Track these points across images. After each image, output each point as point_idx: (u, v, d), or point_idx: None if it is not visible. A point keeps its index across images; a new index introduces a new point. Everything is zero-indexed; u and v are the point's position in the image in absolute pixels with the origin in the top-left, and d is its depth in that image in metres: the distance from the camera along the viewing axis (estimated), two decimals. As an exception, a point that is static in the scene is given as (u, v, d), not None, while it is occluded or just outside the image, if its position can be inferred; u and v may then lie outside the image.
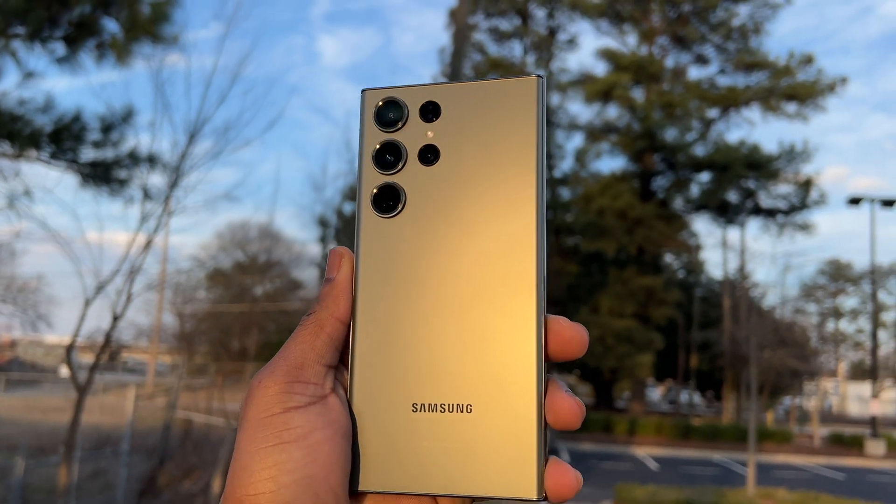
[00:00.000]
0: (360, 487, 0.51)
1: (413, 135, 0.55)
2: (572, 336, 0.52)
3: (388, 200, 0.55)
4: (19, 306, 24.24)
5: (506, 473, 0.49)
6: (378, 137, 0.56)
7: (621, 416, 29.46)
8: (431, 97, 0.56)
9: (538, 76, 0.54)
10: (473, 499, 0.53)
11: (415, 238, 0.54)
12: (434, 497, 0.54)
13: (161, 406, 14.61)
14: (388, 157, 0.55)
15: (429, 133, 0.55)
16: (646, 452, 23.96)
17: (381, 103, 0.56)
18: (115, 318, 8.86)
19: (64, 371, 28.47)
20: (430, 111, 0.55)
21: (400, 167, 0.55)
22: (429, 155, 0.55)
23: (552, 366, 0.55)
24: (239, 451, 0.48)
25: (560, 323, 0.52)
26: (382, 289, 0.53)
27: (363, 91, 0.57)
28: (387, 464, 0.51)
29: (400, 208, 0.54)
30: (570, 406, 0.51)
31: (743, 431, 25.43)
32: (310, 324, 0.53)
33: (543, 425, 0.50)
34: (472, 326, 0.52)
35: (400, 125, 0.56)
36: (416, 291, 0.53)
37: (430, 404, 0.52)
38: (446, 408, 0.51)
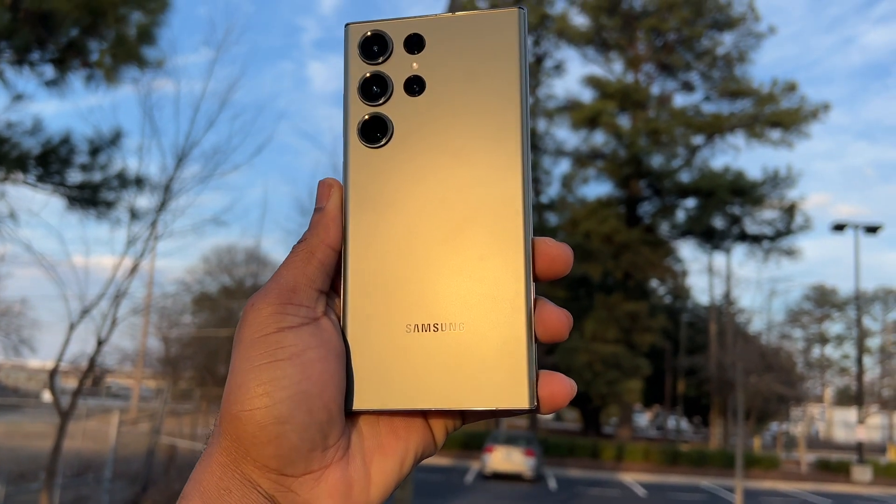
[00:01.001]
0: (355, 407, 0.52)
1: (398, 67, 0.56)
2: (558, 254, 0.53)
3: (375, 131, 0.55)
4: (2, 330, 24.03)
5: (498, 386, 0.50)
6: (363, 69, 0.56)
7: (609, 442, 29.37)
8: (415, 30, 0.56)
9: (520, 8, 0.55)
10: (465, 414, 0.55)
11: (402, 167, 0.55)
12: (426, 417, 0.55)
13: (145, 432, 14.42)
14: (375, 88, 0.56)
15: (414, 65, 0.56)
16: (633, 479, 23.85)
17: (367, 34, 0.56)
18: (100, 343, 8.77)
19: (47, 396, 28.15)
20: (415, 43, 0.56)
21: (386, 98, 0.55)
22: (414, 86, 0.55)
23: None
24: (234, 371, 0.49)
25: (546, 243, 0.53)
26: (372, 216, 0.54)
27: (347, 25, 0.57)
28: (381, 383, 0.52)
29: (387, 138, 0.55)
30: (557, 317, 0.52)
31: (730, 457, 25.38)
32: (301, 250, 0.53)
33: (533, 338, 0.51)
34: (462, 249, 0.53)
35: (384, 58, 0.56)
36: (405, 218, 0.54)
37: (423, 324, 0.52)
38: (439, 327, 0.52)
